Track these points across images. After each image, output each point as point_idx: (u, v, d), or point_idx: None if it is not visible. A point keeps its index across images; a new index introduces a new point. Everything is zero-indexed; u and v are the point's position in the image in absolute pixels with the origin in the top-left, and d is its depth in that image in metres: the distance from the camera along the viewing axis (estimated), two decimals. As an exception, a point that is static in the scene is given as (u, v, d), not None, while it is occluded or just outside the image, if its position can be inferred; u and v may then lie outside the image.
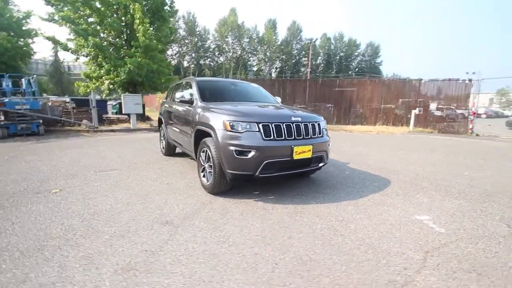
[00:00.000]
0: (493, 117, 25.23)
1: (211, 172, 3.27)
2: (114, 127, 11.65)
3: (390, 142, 8.90)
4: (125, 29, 12.09)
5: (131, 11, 11.27)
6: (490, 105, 29.48)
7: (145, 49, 11.66)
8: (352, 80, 18.07)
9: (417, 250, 2.12)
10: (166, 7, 13.03)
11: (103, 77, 11.94)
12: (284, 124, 3.10)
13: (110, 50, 11.62)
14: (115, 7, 11.70)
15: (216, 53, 53.52)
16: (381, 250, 2.11)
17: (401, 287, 1.69)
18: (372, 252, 2.08)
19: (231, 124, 3.00)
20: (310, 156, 3.20)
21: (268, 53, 58.99)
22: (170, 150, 5.63)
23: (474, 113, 12.42)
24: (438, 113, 13.59)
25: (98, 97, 20.26)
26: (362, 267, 1.88)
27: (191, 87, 4.50)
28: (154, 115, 21.84)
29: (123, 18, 11.96)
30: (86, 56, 12.37)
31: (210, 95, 4.13)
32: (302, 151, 3.11)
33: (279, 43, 59.13)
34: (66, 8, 11.35)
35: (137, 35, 11.30)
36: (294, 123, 3.17)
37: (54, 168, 4.51)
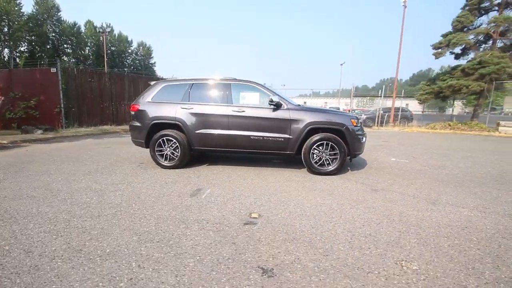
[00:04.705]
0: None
1: (333, 159, 4.73)
2: None
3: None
4: None
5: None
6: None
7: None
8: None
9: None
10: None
11: None
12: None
13: None
14: None
15: None
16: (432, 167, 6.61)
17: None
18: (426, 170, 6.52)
19: (356, 121, 4.93)
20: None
21: (7, 29, 40.97)
22: (185, 161, 5.19)
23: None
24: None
25: None
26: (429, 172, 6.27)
27: (249, 90, 5.22)
28: None
29: None
30: None
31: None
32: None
33: (25, 18, 42.98)
34: None
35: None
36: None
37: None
